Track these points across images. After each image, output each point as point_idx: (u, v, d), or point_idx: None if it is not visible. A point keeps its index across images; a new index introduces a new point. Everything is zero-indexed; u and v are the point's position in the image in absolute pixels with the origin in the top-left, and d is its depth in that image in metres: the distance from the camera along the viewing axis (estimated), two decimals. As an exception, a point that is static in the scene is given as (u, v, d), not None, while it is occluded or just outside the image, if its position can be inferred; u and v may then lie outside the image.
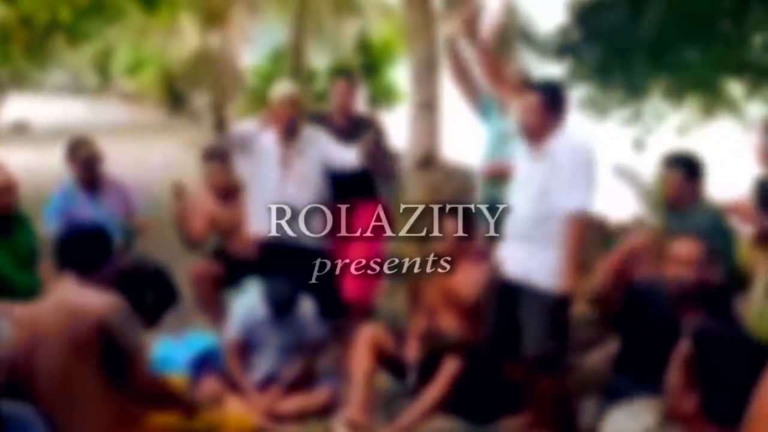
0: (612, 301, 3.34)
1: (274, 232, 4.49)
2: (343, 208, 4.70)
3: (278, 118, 4.50)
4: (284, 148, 4.53)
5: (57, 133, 16.13)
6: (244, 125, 4.82)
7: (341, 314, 4.71)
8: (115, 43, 18.77)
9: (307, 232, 4.52)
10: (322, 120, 4.86)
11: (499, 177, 4.35)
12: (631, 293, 3.34)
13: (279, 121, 4.50)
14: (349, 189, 4.65)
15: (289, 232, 4.48)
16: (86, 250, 2.86)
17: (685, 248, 3.25)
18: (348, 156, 4.52)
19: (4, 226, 3.94)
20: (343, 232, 4.71)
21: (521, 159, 3.80)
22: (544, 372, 3.56)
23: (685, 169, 4.01)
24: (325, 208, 4.61)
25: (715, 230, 3.84)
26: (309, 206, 4.52)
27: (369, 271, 4.78)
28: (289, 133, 4.52)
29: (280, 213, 4.49)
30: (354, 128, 4.74)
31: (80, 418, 2.52)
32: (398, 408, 3.97)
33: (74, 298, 2.66)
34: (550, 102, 3.69)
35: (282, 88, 4.67)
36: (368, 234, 4.74)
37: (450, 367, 3.78)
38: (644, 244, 3.24)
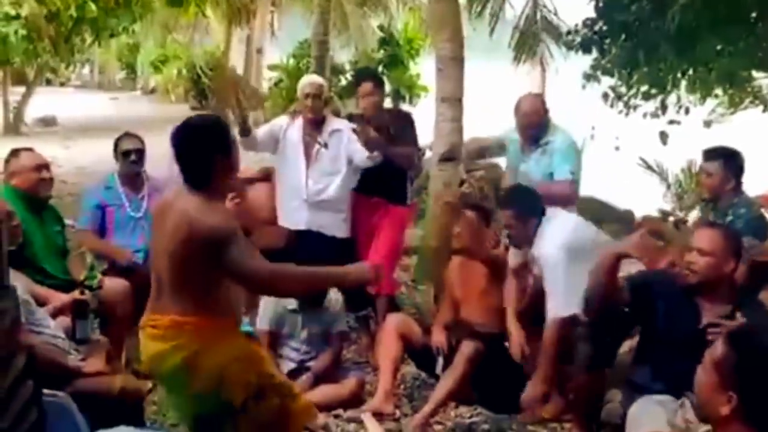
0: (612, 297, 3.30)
1: (302, 224, 4.55)
2: (372, 202, 4.74)
3: (304, 109, 4.59)
4: (309, 138, 4.58)
5: (82, 127, 16.37)
6: (273, 121, 4.89)
7: (367, 305, 4.75)
8: (141, 38, 18.91)
9: (333, 223, 4.58)
10: (355, 121, 4.90)
11: None
12: (637, 286, 3.33)
13: (305, 112, 4.59)
14: (379, 184, 4.67)
15: (315, 224, 4.54)
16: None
17: (705, 237, 3.22)
18: (361, 153, 4.50)
19: (38, 213, 4.02)
20: (370, 226, 4.75)
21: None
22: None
23: (726, 161, 4.01)
24: (349, 200, 4.66)
25: (753, 224, 3.85)
26: (334, 197, 4.57)
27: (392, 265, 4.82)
28: (314, 123, 4.58)
29: (307, 204, 4.55)
30: (387, 123, 4.75)
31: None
32: (423, 398, 4.02)
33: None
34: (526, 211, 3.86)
35: (307, 79, 4.79)
36: (392, 229, 4.75)
37: (466, 350, 3.80)
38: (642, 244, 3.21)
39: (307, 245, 4.46)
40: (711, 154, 4.10)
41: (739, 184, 4.03)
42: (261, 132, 4.74)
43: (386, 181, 4.65)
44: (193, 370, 2.57)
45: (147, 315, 2.68)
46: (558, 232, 3.75)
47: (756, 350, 1.90)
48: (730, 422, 1.85)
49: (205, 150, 2.63)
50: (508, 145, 4.75)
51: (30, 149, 4.21)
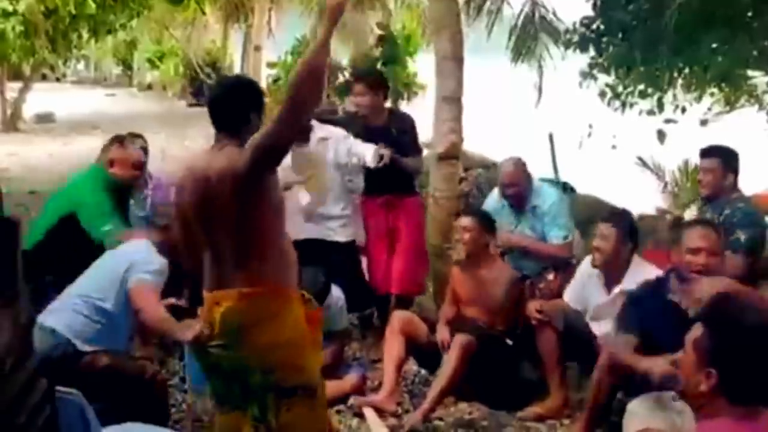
0: None
1: (302, 236, 4.60)
2: (382, 201, 4.78)
3: None
4: (300, 151, 4.54)
5: (79, 123, 16.38)
6: None
7: (370, 305, 4.80)
8: (137, 34, 18.91)
9: (332, 230, 4.61)
10: (356, 119, 4.93)
11: None
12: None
13: None
14: (386, 181, 4.70)
15: (314, 234, 4.58)
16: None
17: (696, 236, 3.30)
18: (368, 152, 4.51)
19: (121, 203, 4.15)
20: (386, 226, 4.78)
21: None
22: None
23: (724, 160, 4.07)
24: (350, 203, 4.67)
25: (749, 221, 3.92)
26: (330, 207, 4.61)
27: (417, 267, 4.87)
28: (300, 136, 4.53)
29: (304, 217, 4.57)
30: (388, 126, 4.79)
31: None
32: (425, 394, 4.06)
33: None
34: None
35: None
36: (412, 230, 4.81)
37: (458, 342, 3.85)
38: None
39: (308, 252, 4.48)
40: (709, 151, 4.18)
41: (735, 182, 4.11)
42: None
43: (393, 175, 4.67)
44: (254, 342, 2.59)
45: (208, 294, 2.67)
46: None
47: (731, 326, 1.97)
48: (711, 398, 1.92)
49: (242, 105, 2.70)
50: (499, 210, 4.72)
51: (138, 136, 4.50)
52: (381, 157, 4.37)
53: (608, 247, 3.82)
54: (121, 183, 4.12)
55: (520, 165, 4.65)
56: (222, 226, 2.63)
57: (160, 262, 3.46)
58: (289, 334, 2.65)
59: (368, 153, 4.44)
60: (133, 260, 3.44)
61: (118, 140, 4.23)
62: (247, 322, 2.61)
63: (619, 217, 3.99)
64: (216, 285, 2.67)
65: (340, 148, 4.57)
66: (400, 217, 4.75)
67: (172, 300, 3.68)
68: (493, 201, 4.82)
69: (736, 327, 1.96)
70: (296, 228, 4.60)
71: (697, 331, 1.99)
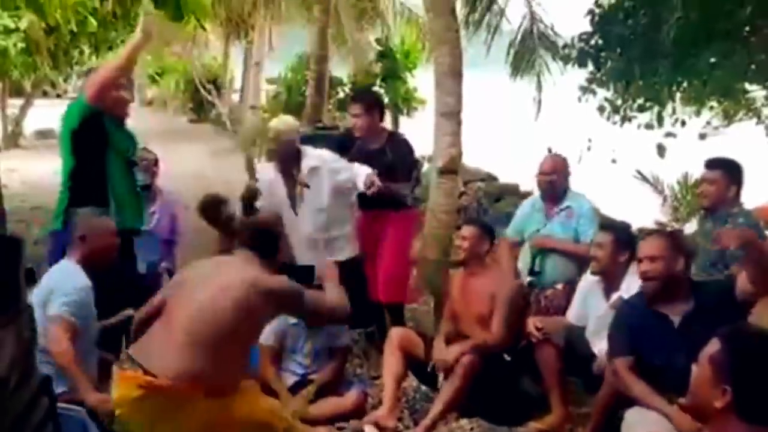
0: None
1: (304, 261, 4.62)
2: (373, 214, 4.81)
3: (275, 155, 4.62)
4: (289, 183, 4.61)
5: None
6: (260, 177, 4.80)
7: (372, 322, 4.81)
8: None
9: (334, 251, 4.63)
10: (353, 140, 4.95)
11: None
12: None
13: (276, 159, 4.63)
14: (375, 199, 4.69)
15: (317, 257, 4.59)
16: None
17: (651, 245, 3.36)
18: (361, 177, 4.50)
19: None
20: (376, 237, 4.81)
21: None
22: None
23: (728, 172, 4.09)
24: (350, 220, 4.69)
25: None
26: (328, 231, 4.65)
27: (402, 274, 4.90)
28: (286, 168, 4.60)
29: (305, 243, 4.59)
30: (385, 149, 4.81)
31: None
32: (425, 410, 4.06)
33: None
34: None
35: (270, 126, 4.76)
36: (399, 240, 4.82)
37: (464, 361, 3.86)
38: None
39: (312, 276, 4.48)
40: (713, 163, 4.19)
41: (738, 195, 4.12)
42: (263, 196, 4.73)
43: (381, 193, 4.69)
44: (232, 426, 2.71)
45: (138, 373, 2.68)
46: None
47: (749, 344, 1.97)
48: (725, 415, 1.90)
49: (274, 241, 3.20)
50: (530, 215, 4.77)
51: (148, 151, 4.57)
52: (371, 184, 4.38)
53: (605, 255, 3.85)
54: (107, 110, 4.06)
55: (560, 158, 4.76)
56: (205, 321, 2.72)
57: (76, 286, 3.34)
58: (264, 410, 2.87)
59: (360, 177, 4.46)
60: (51, 287, 3.31)
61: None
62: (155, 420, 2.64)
63: (616, 227, 4.01)
64: (154, 364, 2.68)
65: (333, 175, 4.60)
66: (387, 229, 4.78)
67: (130, 311, 3.56)
68: (524, 207, 4.89)
69: (755, 346, 1.96)
70: (301, 254, 4.65)
71: (714, 346, 1.98)
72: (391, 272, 4.79)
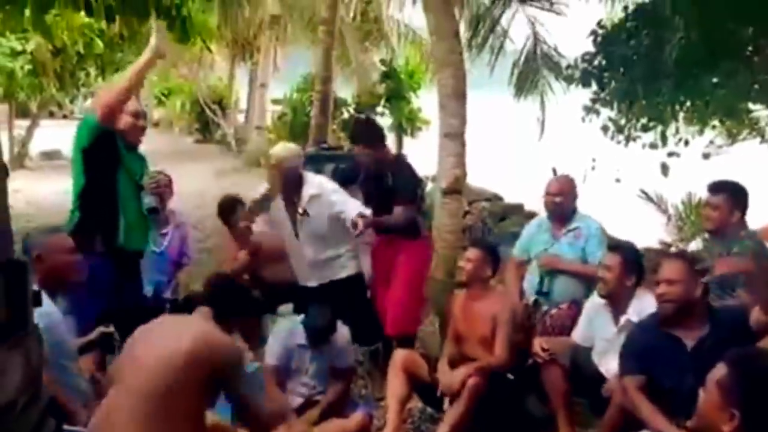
0: None
1: (311, 282, 4.68)
2: (387, 238, 4.80)
3: (277, 181, 4.64)
4: (290, 208, 4.66)
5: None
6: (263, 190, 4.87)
7: (377, 340, 4.80)
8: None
9: (337, 269, 4.68)
10: (358, 163, 4.98)
11: None
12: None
13: (278, 185, 4.66)
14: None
15: (321, 279, 4.65)
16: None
17: (670, 268, 3.36)
18: (350, 212, 4.49)
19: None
20: (389, 262, 4.79)
21: None
22: None
23: (732, 196, 4.08)
24: (351, 238, 4.68)
25: (756, 256, 3.90)
26: (331, 254, 4.68)
27: (413, 307, 4.87)
28: (288, 194, 4.64)
29: (309, 266, 4.65)
30: (388, 170, 4.81)
31: None
32: (431, 432, 4.05)
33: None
34: None
35: (273, 152, 4.78)
36: (412, 270, 4.79)
37: (469, 384, 3.85)
38: None
39: (317, 296, 4.50)
40: (716, 187, 4.17)
41: (743, 218, 4.10)
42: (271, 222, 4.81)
43: (387, 213, 4.70)
44: None
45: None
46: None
47: (756, 368, 1.97)
48: None
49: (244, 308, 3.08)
50: (536, 235, 4.76)
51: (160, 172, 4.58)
52: (355, 225, 4.38)
53: (612, 278, 3.85)
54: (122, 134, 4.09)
55: (567, 179, 4.76)
56: (155, 383, 2.55)
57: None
58: None
59: (350, 215, 4.45)
60: None
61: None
62: None
63: (623, 249, 4.01)
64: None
65: (331, 205, 4.62)
66: (400, 258, 4.76)
67: (101, 329, 3.53)
68: (530, 227, 4.87)
69: (762, 370, 1.96)
70: (303, 276, 4.69)
71: (721, 370, 1.99)
72: (401, 304, 4.72)
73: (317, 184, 4.71)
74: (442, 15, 5.74)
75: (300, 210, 4.58)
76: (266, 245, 4.95)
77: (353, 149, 5.18)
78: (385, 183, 4.73)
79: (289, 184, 4.62)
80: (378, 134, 4.98)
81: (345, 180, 4.97)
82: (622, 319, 3.81)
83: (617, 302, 3.87)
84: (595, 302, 4.02)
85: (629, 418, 3.33)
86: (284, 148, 4.84)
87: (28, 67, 12.21)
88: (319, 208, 4.61)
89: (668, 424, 3.06)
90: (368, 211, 4.50)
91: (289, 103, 14.59)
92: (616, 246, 4.13)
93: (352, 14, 13.88)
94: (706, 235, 4.30)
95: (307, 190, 4.64)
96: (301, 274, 4.78)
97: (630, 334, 3.54)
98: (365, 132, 5.02)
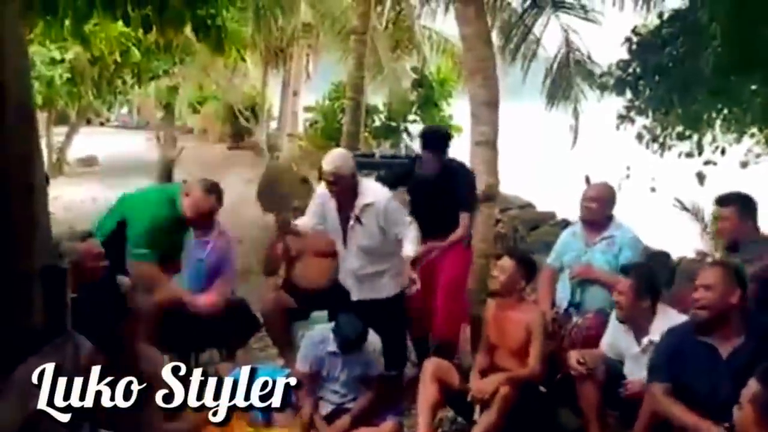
0: None
1: (353, 296, 4.60)
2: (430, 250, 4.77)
3: (329, 188, 4.52)
4: (342, 215, 4.53)
5: (123, 167, 16.76)
6: (314, 196, 4.80)
7: (400, 367, 4.76)
8: (179, 80, 19.40)
9: (380, 288, 4.58)
10: (414, 163, 4.99)
11: None
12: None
13: (331, 192, 4.53)
14: (435, 224, 4.72)
15: (362, 295, 4.57)
16: None
17: (707, 273, 3.31)
18: (402, 226, 4.47)
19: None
20: (431, 267, 4.75)
21: None
22: None
23: (740, 207, 4.02)
24: (398, 253, 4.57)
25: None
26: (376, 269, 4.58)
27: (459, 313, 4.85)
28: (342, 202, 4.51)
29: (353, 277, 4.59)
30: (444, 174, 4.83)
31: None
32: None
33: None
34: None
35: (324, 160, 4.58)
36: (457, 275, 4.80)
37: (501, 394, 3.82)
38: None
39: (360, 312, 4.36)
40: (724, 200, 4.13)
41: (755, 225, 4.04)
42: (308, 213, 4.69)
43: (442, 219, 4.71)
44: None
45: None
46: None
47: None
48: None
49: None
50: (570, 243, 4.68)
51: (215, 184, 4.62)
52: (412, 283, 4.35)
53: (626, 302, 3.79)
54: (183, 221, 4.34)
55: (606, 186, 4.69)
56: None
57: None
58: None
59: (407, 243, 4.40)
60: None
61: (206, 187, 4.42)
62: None
63: (635, 271, 3.92)
64: None
65: (385, 215, 4.48)
66: (446, 262, 4.74)
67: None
68: (565, 234, 4.79)
69: None
70: (347, 286, 4.62)
71: (753, 387, 1.96)
72: (448, 309, 4.70)
73: (372, 190, 4.55)
74: (474, 23, 5.74)
75: (353, 217, 4.47)
76: (298, 248, 4.93)
77: (385, 154, 5.18)
78: (446, 189, 4.72)
79: (345, 193, 4.50)
80: (446, 141, 5.01)
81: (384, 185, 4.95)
82: (644, 341, 3.75)
83: (636, 325, 3.81)
84: (615, 324, 3.96)
85: (659, 426, 3.29)
86: (339, 156, 4.62)
87: (66, 75, 12.47)
88: (372, 218, 4.47)
89: (701, 419, 3.00)
90: (420, 248, 4.48)
91: (321, 110, 14.65)
92: (628, 267, 4.02)
93: (384, 23, 13.91)
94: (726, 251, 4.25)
95: (363, 197, 4.49)
96: (345, 284, 4.70)
97: (662, 340, 3.48)
98: (434, 138, 5.07)
